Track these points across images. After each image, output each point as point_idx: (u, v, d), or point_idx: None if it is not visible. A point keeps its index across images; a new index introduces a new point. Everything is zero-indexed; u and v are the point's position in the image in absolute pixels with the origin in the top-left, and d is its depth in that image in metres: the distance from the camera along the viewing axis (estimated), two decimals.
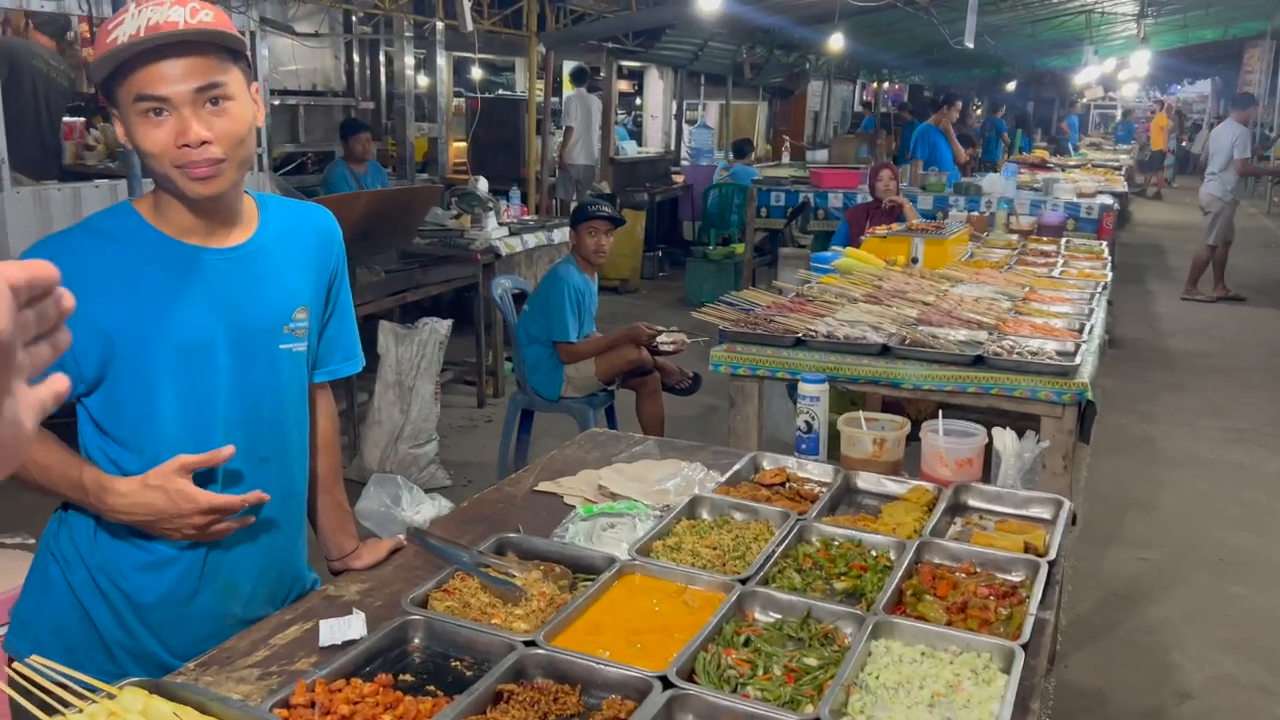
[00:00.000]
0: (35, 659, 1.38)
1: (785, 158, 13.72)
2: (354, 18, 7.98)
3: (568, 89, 10.81)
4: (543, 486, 2.27)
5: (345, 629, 1.61)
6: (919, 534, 1.87)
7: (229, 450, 1.48)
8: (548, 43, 8.45)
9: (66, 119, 5.97)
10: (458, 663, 1.53)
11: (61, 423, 1.33)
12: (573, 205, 8.73)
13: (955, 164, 8.73)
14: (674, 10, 7.87)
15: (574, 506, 2.12)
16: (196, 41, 1.42)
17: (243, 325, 1.58)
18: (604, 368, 4.38)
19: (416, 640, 1.58)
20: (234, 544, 1.61)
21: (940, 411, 2.24)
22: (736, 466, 2.21)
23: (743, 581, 1.68)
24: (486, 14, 7.34)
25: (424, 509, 2.11)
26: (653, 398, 4.54)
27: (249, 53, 1.58)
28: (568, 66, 10.71)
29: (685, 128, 13.72)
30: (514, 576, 1.72)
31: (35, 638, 1.53)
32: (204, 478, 1.53)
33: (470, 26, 5.75)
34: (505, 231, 6.14)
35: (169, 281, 1.53)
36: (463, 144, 10.19)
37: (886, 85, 21.54)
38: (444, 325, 4.79)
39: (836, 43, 10.28)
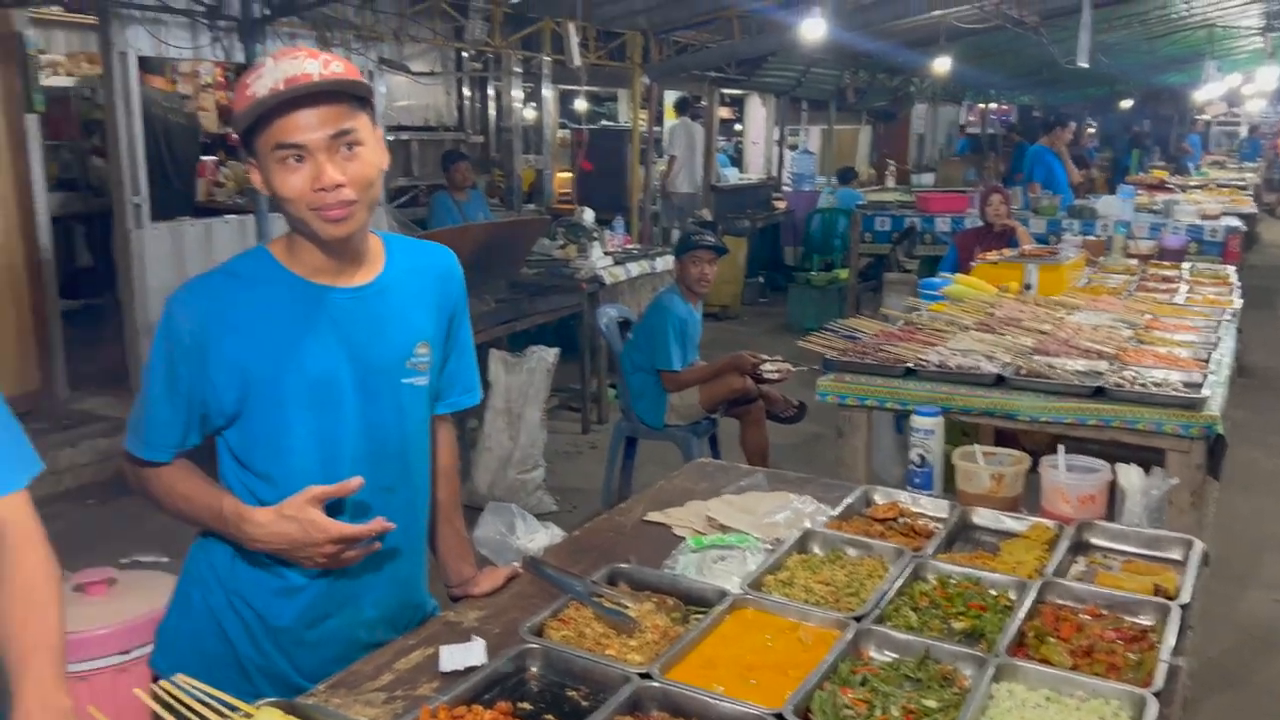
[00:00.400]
0: (179, 678, 1.46)
1: (889, 181, 13.55)
2: (465, 55, 8.24)
3: (670, 118, 10.92)
4: (651, 516, 2.29)
5: (465, 655, 1.65)
6: (1041, 573, 1.82)
7: (358, 481, 1.55)
8: (652, 74, 8.57)
9: (203, 158, 6.30)
10: (574, 692, 1.56)
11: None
12: (674, 233, 8.82)
13: (1069, 186, 8.48)
14: (777, 39, 7.89)
15: (683, 538, 2.13)
16: (330, 91, 1.50)
17: (367, 361, 1.65)
18: (708, 396, 4.39)
19: (534, 669, 1.61)
20: (360, 571, 1.67)
21: (1061, 446, 2.18)
22: (848, 500, 2.19)
23: (857, 619, 1.66)
24: (593, 48, 7.48)
25: (538, 537, 2.15)
26: (757, 426, 4.53)
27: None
28: (669, 96, 10.83)
29: (787, 153, 13.68)
30: (627, 607, 1.74)
31: (178, 657, 1.62)
32: (333, 507, 1.59)
33: (578, 61, 5.88)
34: (610, 261, 6.22)
35: (299, 320, 1.60)
36: (568, 174, 10.39)
37: (994, 105, 21.08)
38: (551, 354, 4.88)
39: (942, 65, 10.14)
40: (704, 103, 10.78)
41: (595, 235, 6.15)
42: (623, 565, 1.93)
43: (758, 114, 13.74)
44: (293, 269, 1.62)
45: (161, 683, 1.46)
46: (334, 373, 1.61)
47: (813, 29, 6.49)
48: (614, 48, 8.11)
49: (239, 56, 5.31)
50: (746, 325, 9.55)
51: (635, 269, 6.39)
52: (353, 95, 1.54)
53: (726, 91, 12.30)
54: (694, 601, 1.79)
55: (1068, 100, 20.12)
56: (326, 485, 1.54)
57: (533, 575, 1.94)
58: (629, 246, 7.11)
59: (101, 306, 6.15)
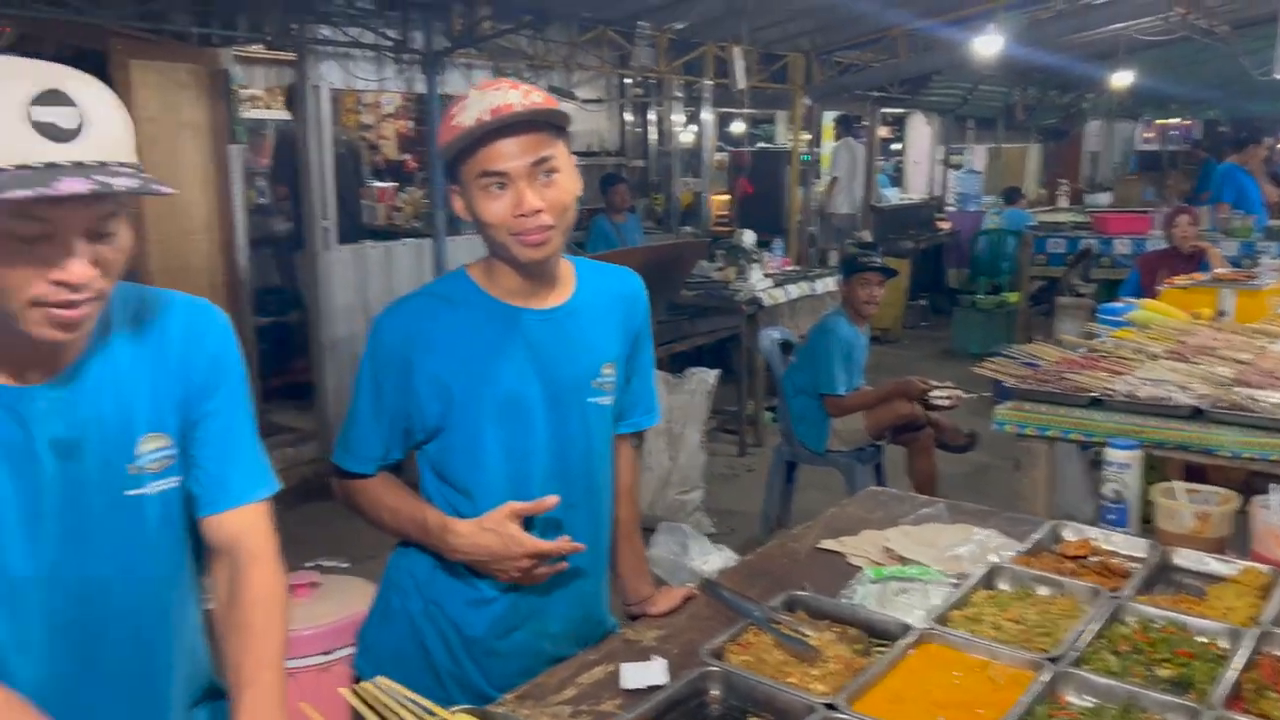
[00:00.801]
0: (380, 680, 1.54)
1: (1061, 201, 12.97)
2: (628, 81, 8.41)
3: (828, 138, 10.81)
4: (825, 544, 2.25)
5: (647, 674, 1.66)
6: (1256, 621, 1.70)
7: (554, 499, 1.60)
8: (813, 95, 8.52)
9: (378, 184, 6.64)
10: (756, 719, 1.55)
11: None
12: (833, 255, 8.71)
13: (1264, 206, 7.92)
14: (945, 56, 7.71)
15: (860, 567, 2.09)
16: (531, 120, 1.56)
17: (557, 380, 1.70)
18: (873, 422, 4.30)
19: (715, 692, 1.61)
20: (547, 586, 1.71)
21: (1275, 485, 2.03)
22: (1036, 535, 2.10)
23: (1053, 660, 1.59)
24: (754, 71, 7.51)
25: (711, 559, 2.17)
26: (925, 454, 4.40)
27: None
28: (828, 116, 10.72)
29: (950, 173, 13.30)
30: (807, 636, 1.72)
31: (377, 660, 1.70)
32: (525, 523, 1.65)
33: (743, 84, 5.91)
34: (770, 283, 6.20)
35: (495, 339, 1.67)
36: (725, 197, 10.41)
37: (1175, 121, 19.90)
38: (711, 375, 4.90)
39: (1122, 80, 9.66)
40: (865, 122, 10.63)
41: (755, 257, 6.15)
42: (800, 593, 1.90)
43: (920, 132, 13.43)
44: (490, 291, 1.69)
45: (363, 684, 1.54)
46: (525, 390, 1.66)
47: (987, 45, 6.31)
48: (775, 70, 8.11)
49: (420, 88, 5.59)
50: (908, 349, 9.32)
51: (795, 291, 6.34)
52: (551, 124, 1.59)
53: (889, 111, 12.08)
54: (876, 634, 1.76)
55: (1261, 112, 18.79)
56: (523, 501, 1.60)
57: (709, 598, 1.94)
58: (788, 268, 7.06)
59: (288, 324, 6.54)
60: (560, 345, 1.71)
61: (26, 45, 4.09)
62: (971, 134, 14.40)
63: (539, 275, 1.68)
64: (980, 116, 13.36)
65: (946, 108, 12.06)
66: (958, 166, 14.03)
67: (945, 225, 11.71)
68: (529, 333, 1.68)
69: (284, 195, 5.96)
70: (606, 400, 1.77)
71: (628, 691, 1.63)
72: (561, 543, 1.62)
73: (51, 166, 1.02)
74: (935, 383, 4.37)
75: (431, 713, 1.48)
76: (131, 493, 1.26)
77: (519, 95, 1.56)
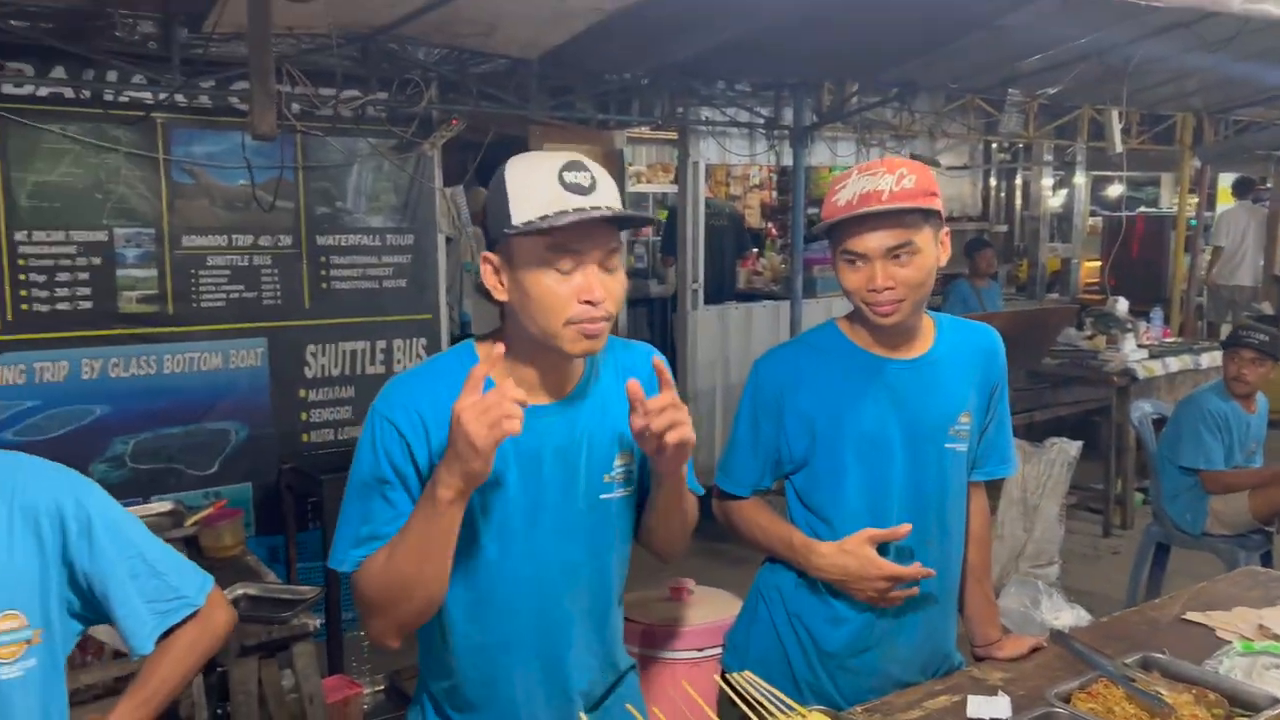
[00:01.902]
0: (747, 674, 1.77)
1: None
2: (993, 145, 8.30)
3: (1224, 202, 9.88)
4: (1191, 615, 2.20)
5: (992, 707, 1.77)
6: None
7: (906, 528, 1.76)
8: (1204, 156, 7.90)
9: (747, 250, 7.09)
10: None
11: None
12: (1224, 328, 7.94)
13: None
14: None
15: (1228, 641, 2.03)
16: (895, 211, 1.72)
17: (915, 424, 1.86)
18: (1262, 503, 3.94)
19: None
20: (899, 612, 1.87)
21: None
22: None
23: None
24: (1134, 132, 7.14)
25: (1063, 615, 2.20)
26: None
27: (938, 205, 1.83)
28: (1222, 178, 9.82)
29: None
30: (1162, 694, 1.73)
31: (743, 661, 1.93)
32: (881, 549, 1.82)
33: (1119, 149, 5.68)
34: (1144, 354, 5.84)
35: (859, 384, 1.87)
36: (1095, 263, 9.85)
37: None
38: (1074, 447, 4.72)
39: None
40: (1269, 184, 9.60)
41: (1129, 326, 5.82)
42: (1157, 655, 1.90)
43: None
44: (855, 341, 1.90)
45: (733, 674, 1.78)
46: (885, 431, 1.85)
47: None
48: (1160, 130, 7.64)
49: (787, 160, 5.96)
50: None
51: (1175, 364, 5.91)
52: (920, 211, 1.75)
53: None
54: (1239, 703, 1.72)
55: None
56: (877, 529, 1.78)
57: (1059, 650, 1.99)
58: (1168, 339, 6.58)
59: None
60: (920, 392, 1.87)
61: (470, 133, 4.93)
62: None
63: (896, 333, 1.86)
64: None
65: None
66: None
67: None
68: (892, 379, 1.87)
69: (670, 263, 6.54)
70: (962, 447, 1.91)
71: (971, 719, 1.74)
72: (914, 568, 1.78)
73: (579, 210, 1.38)
74: None
75: (791, 708, 1.69)
76: (604, 496, 1.57)
77: (891, 182, 1.72)
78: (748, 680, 1.76)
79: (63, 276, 4.01)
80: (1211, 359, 6.12)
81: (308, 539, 4.31)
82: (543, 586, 1.54)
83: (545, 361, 1.51)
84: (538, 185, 1.40)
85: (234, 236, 4.41)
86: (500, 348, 1.43)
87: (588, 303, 1.41)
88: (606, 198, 1.42)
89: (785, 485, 1.97)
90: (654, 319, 7.60)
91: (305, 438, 4.64)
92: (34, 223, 3.98)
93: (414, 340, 4.96)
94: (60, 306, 4.01)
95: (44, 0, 3.44)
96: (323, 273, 4.67)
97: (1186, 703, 1.70)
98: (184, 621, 1.47)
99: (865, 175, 1.76)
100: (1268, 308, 8.86)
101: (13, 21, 3.46)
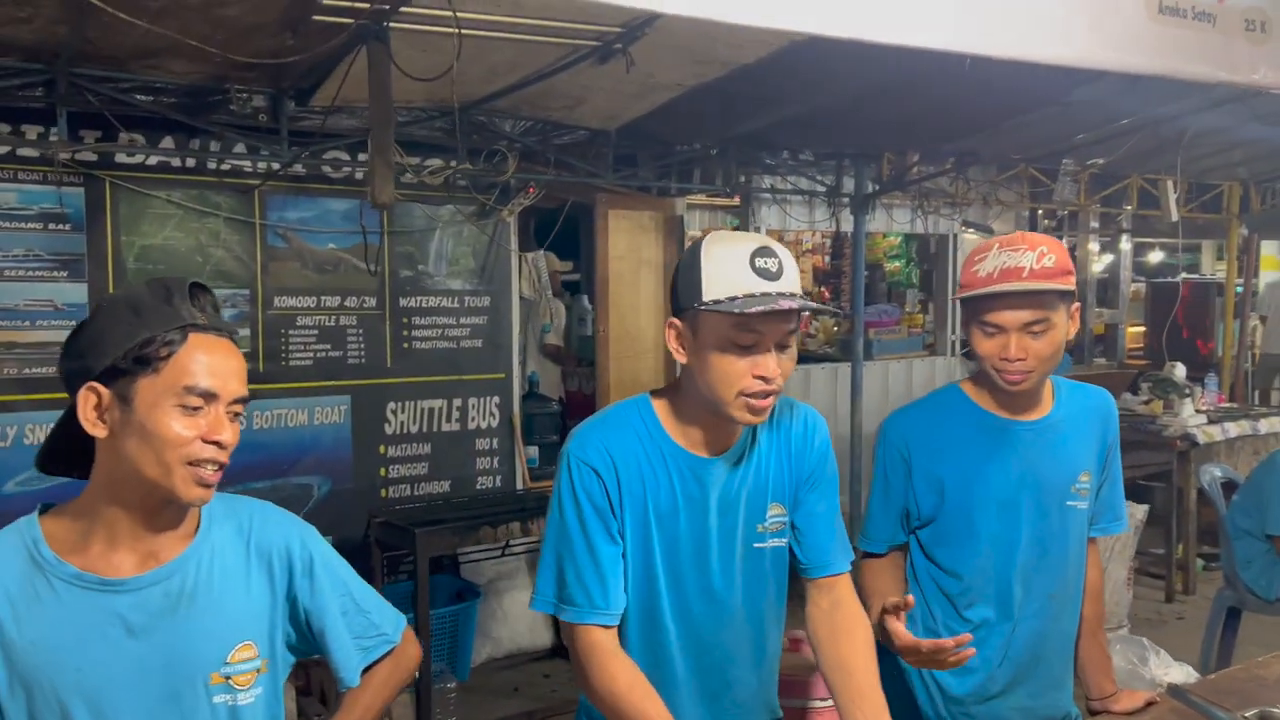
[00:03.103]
0: None
1: None
2: (1039, 213, 8.44)
3: (1267, 268, 9.94)
4: None
5: None
6: None
7: (910, 603, 1.76)
8: (1251, 225, 7.99)
9: None
10: None
11: None
12: (1275, 394, 7.94)
13: None
14: None
15: None
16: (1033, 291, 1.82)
17: (1040, 483, 1.96)
18: None
19: None
20: (1023, 663, 1.95)
21: None
22: None
23: None
24: (1183, 200, 7.26)
25: (1172, 671, 2.25)
26: None
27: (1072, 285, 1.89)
28: (1267, 246, 9.88)
29: None
30: None
31: None
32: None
33: (1175, 217, 5.79)
34: (1203, 419, 5.87)
35: (987, 445, 1.96)
36: (1139, 328, 9.90)
37: None
38: (1140, 510, 4.76)
39: None
40: None
41: (1187, 391, 5.86)
42: (1273, 709, 1.96)
43: None
44: (980, 403, 2.00)
45: None
46: (1013, 492, 1.94)
47: None
48: (1207, 199, 7.75)
49: (846, 227, 6.11)
50: None
51: (1234, 429, 5.93)
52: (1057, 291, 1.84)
53: None
54: None
55: None
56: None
57: (1173, 704, 2.04)
58: (1223, 405, 6.61)
59: None
60: (1044, 453, 1.97)
61: (545, 200, 5.13)
62: None
63: (1019, 398, 1.96)
64: None
65: None
66: None
67: None
68: (1018, 441, 1.96)
69: None
70: (1083, 505, 2.00)
71: None
72: (934, 641, 1.76)
73: (766, 295, 1.50)
74: None
75: None
76: (757, 545, 1.69)
77: (1032, 260, 1.82)
78: None
79: None
80: (1270, 424, 6.14)
81: (392, 591, 4.40)
82: (706, 623, 1.65)
83: (712, 420, 1.63)
84: (731, 266, 1.52)
85: (322, 298, 4.59)
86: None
87: (761, 378, 1.53)
88: (790, 283, 1.53)
89: (909, 539, 2.06)
90: None
91: (384, 493, 4.77)
92: (139, 283, 4.17)
93: (488, 399, 5.10)
94: None
95: (168, 76, 3.66)
96: (404, 333, 4.83)
97: None
98: (383, 656, 1.58)
99: (1007, 250, 1.86)
100: None
101: (138, 96, 3.67)
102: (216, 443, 1.33)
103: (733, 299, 1.50)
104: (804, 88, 4.21)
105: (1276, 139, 5.92)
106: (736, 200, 6.05)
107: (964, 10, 2.10)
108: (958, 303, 2.03)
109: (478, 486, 5.08)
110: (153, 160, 4.13)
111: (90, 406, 1.33)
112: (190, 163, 4.20)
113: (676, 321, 1.61)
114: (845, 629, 1.70)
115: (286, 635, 1.49)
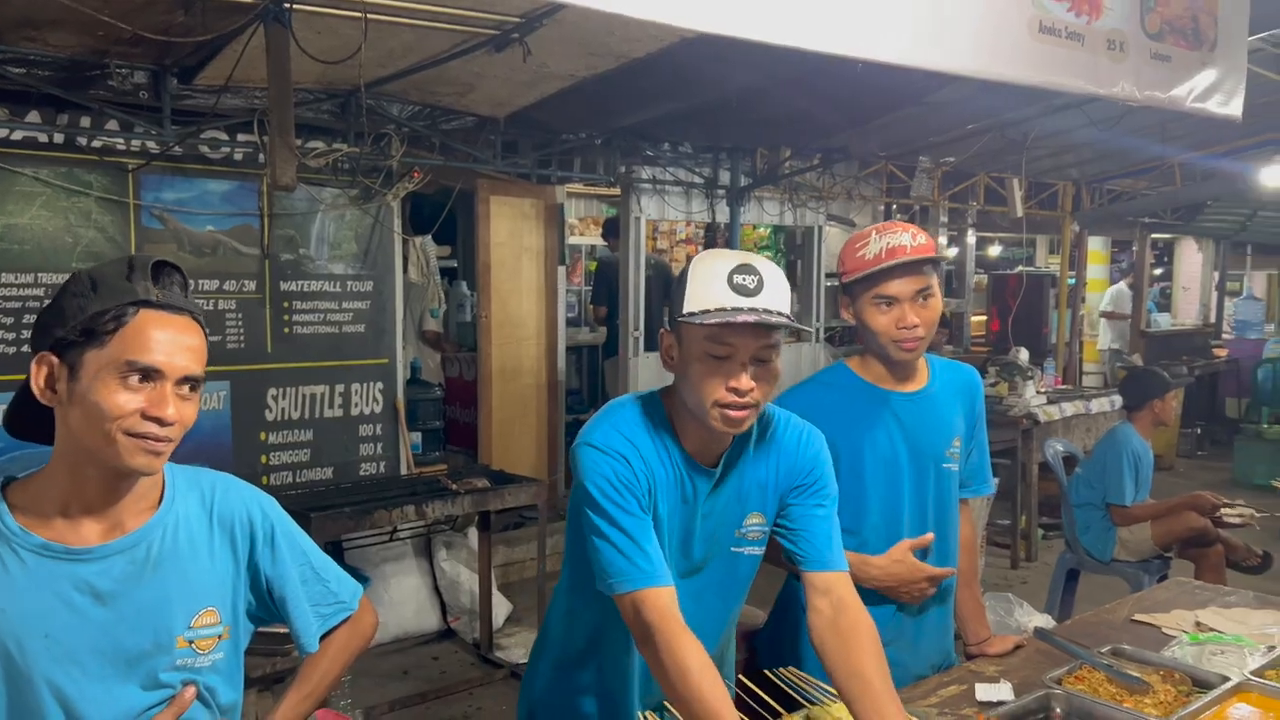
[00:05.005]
0: (791, 669, 2.02)
1: None
2: (894, 207, 8.93)
3: (1093, 263, 10.80)
4: (1139, 617, 2.55)
5: (997, 692, 2.05)
6: None
7: (930, 536, 2.05)
8: (1082, 221, 8.68)
9: None
10: None
11: None
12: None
13: None
14: (1225, 183, 7.72)
15: (1173, 635, 2.37)
16: (918, 261, 2.05)
17: (919, 447, 2.16)
18: (1162, 533, 4.41)
19: (1058, 709, 1.98)
20: (915, 612, 2.15)
21: None
22: None
23: None
24: (1023, 199, 7.84)
25: (1036, 619, 2.51)
26: (1215, 572, 4.44)
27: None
28: (1094, 241, 10.75)
29: (1226, 300, 12.78)
30: (1138, 675, 2.05)
31: (778, 658, 2.17)
32: None
33: (1020, 213, 6.26)
34: (1044, 400, 6.37)
35: (873, 414, 2.16)
36: (980, 317, 10.61)
37: None
38: (992, 483, 5.14)
39: None
40: (1135, 248, 10.56)
41: (1030, 374, 6.35)
42: (1124, 646, 2.23)
43: (1191, 258, 13.04)
44: (865, 378, 2.19)
45: (782, 670, 2.02)
46: (895, 453, 2.14)
47: (1275, 176, 6.33)
48: (1044, 197, 8.38)
49: (722, 218, 6.34)
50: (1184, 477, 8.99)
51: (1069, 408, 6.47)
52: (931, 261, 2.08)
53: (1156, 236, 11.88)
54: (1197, 683, 2.05)
55: None
56: (911, 539, 2.06)
57: (1040, 645, 2.30)
58: (1059, 387, 7.18)
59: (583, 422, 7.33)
60: (922, 420, 2.18)
61: (424, 186, 5.13)
62: (1251, 260, 13.77)
63: (903, 368, 2.16)
64: (1261, 243, 12.80)
65: (1222, 234, 11.71)
66: (1235, 293, 13.43)
67: (1222, 353, 11.26)
68: (899, 409, 2.16)
69: (603, 315, 6.80)
70: (954, 467, 2.22)
71: (981, 703, 2.02)
72: (946, 570, 2.06)
73: (736, 309, 1.57)
74: (1227, 500, 4.44)
75: (835, 695, 1.94)
76: (735, 550, 1.81)
77: (909, 238, 2.05)
78: (793, 674, 2.01)
79: (30, 319, 4.02)
80: (1099, 405, 6.72)
81: None
82: (683, 610, 1.72)
83: (700, 425, 1.70)
84: (711, 281, 1.60)
85: (200, 281, 4.48)
86: None
87: (734, 390, 1.61)
88: (770, 300, 1.60)
89: None
90: (582, 365, 7.84)
91: (265, 480, 4.70)
92: (3, 265, 3.99)
93: (371, 384, 5.08)
94: (26, 349, 4.00)
95: (44, 48, 3.51)
96: (285, 318, 4.76)
97: (1157, 681, 2.03)
98: (341, 623, 1.64)
99: (887, 234, 2.07)
100: (1138, 359, 9.71)
101: (11, 69, 3.51)
102: (157, 419, 1.34)
103: (705, 312, 1.58)
104: (688, 83, 4.37)
105: (1106, 143, 6.48)
106: (617, 190, 6.19)
107: (854, 14, 2.26)
108: (838, 291, 2.20)
109: (361, 473, 5.06)
110: (18, 135, 3.95)
111: (42, 376, 1.35)
112: (58, 139, 4.02)
113: (666, 333, 1.70)
114: (852, 634, 1.73)
115: (248, 603, 1.54)
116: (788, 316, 1.62)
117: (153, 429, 1.33)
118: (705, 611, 1.81)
